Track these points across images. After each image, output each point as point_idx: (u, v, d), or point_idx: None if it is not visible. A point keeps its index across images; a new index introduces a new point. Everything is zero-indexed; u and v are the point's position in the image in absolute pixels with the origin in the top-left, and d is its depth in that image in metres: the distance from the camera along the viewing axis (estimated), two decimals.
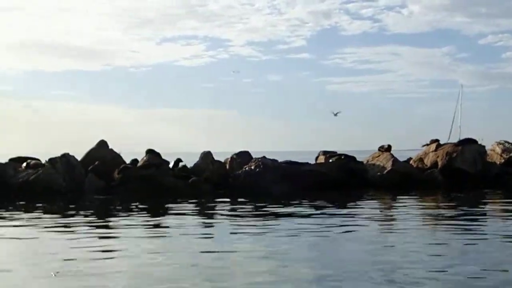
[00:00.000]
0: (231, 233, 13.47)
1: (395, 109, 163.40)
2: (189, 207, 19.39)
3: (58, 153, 24.96)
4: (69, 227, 14.62)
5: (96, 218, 16.83)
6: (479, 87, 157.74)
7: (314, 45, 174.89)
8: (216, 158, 27.00)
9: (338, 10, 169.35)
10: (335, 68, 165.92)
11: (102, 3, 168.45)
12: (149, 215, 17.53)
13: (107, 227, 15.06)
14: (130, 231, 13.65)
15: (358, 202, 20.77)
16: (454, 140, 31.68)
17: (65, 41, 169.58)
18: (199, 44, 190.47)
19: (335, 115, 34.20)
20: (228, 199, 21.93)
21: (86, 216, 17.07)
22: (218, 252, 10.82)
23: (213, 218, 16.92)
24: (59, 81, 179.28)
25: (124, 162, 26.44)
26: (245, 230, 13.75)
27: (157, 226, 15.10)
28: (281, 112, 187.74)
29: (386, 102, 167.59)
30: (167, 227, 14.78)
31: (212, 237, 13.10)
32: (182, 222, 15.36)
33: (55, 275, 8.83)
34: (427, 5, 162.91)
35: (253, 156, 26.96)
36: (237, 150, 28.54)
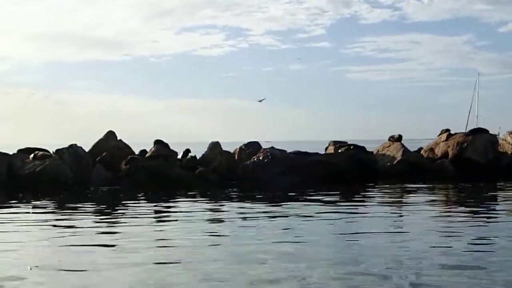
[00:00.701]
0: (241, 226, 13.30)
1: (415, 98, 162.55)
2: (195, 198, 19.26)
3: (79, 144, 24.98)
4: (69, 219, 14.48)
5: (98, 210, 16.73)
6: (499, 75, 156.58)
7: (334, 34, 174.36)
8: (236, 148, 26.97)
9: None
10: (355, 57, 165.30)
11: None
12: (153, 207, 17.36)
13: (106, 220, 14.85)
14: (128, 226, 13.43)
15: (364, 193, 20.56)
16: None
17: (86, 32, 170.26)
18: (218, 33, 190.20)
19: (260, 101, 36.66)
20: (236, 190, 21.81)
21: (86, 208, 17.02)
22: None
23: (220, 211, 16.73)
24: (80, 71, 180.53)
25: (133, 153, 26.28)
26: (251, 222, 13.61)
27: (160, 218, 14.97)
28: (301, 101, 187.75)
29: (405, 90, 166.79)
30: (171, 220, 14.65)
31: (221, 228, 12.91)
32: (187, 215, 15.23)
33: (31, 268, 8.68)
34: None
35: (271, 146, 26.60)
36: (257, 140, 28.33)
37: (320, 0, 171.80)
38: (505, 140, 29.41)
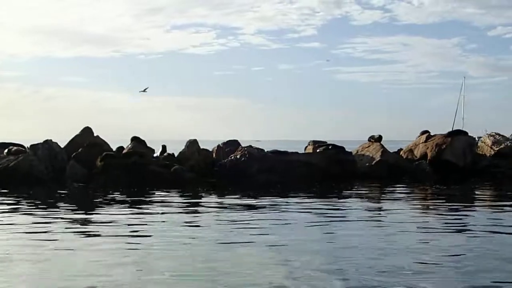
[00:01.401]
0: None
1: (404, 100, 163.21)
2: (165, 195, 19.04)
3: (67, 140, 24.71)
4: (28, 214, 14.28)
5: (61, 206, 16.50)
6: (488, 78, 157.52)
7: (325, 34, 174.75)
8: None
9: None
10: (345, 58, 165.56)
11: None
12: (123, 203, 17.15)
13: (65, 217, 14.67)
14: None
15: (338, 193, 20.44)
16: None
17: (77, 28, 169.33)
18: (209, 32, 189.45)
19: (144, 91, 37.33)
20: (210, 188, 21.63)
21: (52, 204, 16.82)
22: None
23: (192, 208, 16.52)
24: (70, 67, 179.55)
25: (111, 150, 26.01)
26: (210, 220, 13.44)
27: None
28: (291, 101, 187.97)
29: (395, 92, 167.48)
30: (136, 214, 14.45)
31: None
32: (153, 211, 15.06)
33: None
34: None
35: (249, 145, 26.45)
36: (247, 138, 28.32)
37: (312, 0, 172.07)
38: (484, 142, 29.45)
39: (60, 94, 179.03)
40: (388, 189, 22.00)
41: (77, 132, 26.64)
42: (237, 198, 18.46)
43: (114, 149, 25.85)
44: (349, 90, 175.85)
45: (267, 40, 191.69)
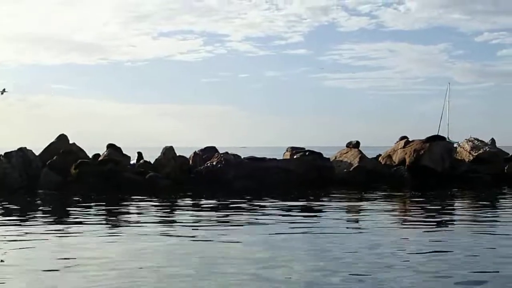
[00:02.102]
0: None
1: (391, 106, 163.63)
2: (136, 203, 18.88)
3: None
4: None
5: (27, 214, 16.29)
6: (475, 84, 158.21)
7: (312, 41, 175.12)
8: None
9: (336, 6, 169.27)
10: (332, 64, 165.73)
11: None
12: (84, 211, 16.96)
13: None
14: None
15: (312, 199, 20.31)
16: None
17: (64, 35, 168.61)
18: (196, 39, 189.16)
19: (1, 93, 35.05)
20: (184, 194, 21.46)
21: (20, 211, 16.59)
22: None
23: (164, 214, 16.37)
24: (57, 75, 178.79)
25: (87, 157, 25.81)
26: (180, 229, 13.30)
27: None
28: (278, 107, 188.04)
29: (382, 98, 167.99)
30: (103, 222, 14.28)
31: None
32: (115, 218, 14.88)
33: None
34: (424, 2, 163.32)
35: (225, 152, 26.35)
36: (232, 145, 28.27)
37: (299, 7, 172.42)
38: (463, 148, 29.44)
39: (47, 102, 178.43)
40: (355, 196, 21.80)
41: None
42: (205, 204, 18.37)
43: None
44: (336, 97, 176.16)
45: (254, 47, 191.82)
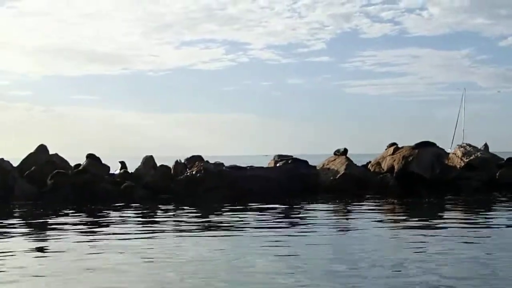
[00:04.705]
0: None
1: (415, 112, 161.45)
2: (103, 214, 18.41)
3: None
4: None
5: None
6: (500, 89, 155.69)
7: (334, 48, 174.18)
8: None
9: (358, 13, 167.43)
10: (355, 71, 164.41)
11: (123, 9, 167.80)
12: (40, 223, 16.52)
13: None
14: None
15: (289, 208, 19.74)
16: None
17: (86, 46, 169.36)
18: (218, 47, 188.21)
19: None
20: (162, 205, 20.98)
21: None
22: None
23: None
24: (79, 86, 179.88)
25: (69, 168, 25.41)
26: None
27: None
28: (301, 115, 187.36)
29: (405, 105, 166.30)
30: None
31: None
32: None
33: None
34: (447, 7, 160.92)
35: (206, 161, 25.94)
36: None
37: (321, 14, 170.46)
38: (455, 154, 28.64)
39: (70, 113, 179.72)
40: (336, 204, 21.26)
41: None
42: (172, 214, 17.89)
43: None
44: (359, 103, 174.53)
45: (276, 55, 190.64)
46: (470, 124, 63.36)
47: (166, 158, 29.74)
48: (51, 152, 25.81)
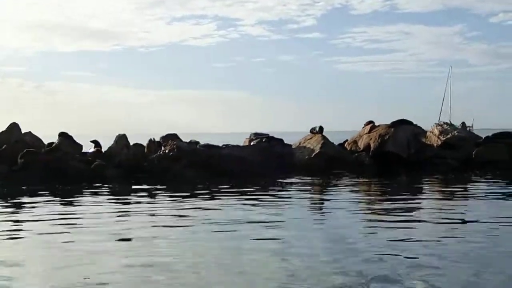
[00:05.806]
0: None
1: (405, 89, 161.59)
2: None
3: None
4: None
5: None
6: (490, 66, 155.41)
7: (325, 24, 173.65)
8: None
9: None
10: (345, 48, 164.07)
11: None
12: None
13: None
14: None
15: (259, 188, 19.54)
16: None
17: (79, 22, 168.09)
18: (209, 23, 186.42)
19: None
20: (131, 185, 20.77)
21: None
22: None
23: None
24: (72, 62, 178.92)
25: (42, 146, 25.11)
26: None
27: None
28: (292, 92, 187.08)
29: (395, 82, 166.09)
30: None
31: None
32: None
33: None
34: None
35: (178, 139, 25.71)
36: (248, 131, 27.53)
37: None
38: (432, 132, 28.52)
39: (62, 89, 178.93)
40: (306, 185, 21.12)
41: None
42: (141, 195, 17.69)
43: None
44: (350, 80, 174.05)
45: (267, 31, 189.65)
46: (461, 101, 63.45)
47: (151, 135, 29.27)
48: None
